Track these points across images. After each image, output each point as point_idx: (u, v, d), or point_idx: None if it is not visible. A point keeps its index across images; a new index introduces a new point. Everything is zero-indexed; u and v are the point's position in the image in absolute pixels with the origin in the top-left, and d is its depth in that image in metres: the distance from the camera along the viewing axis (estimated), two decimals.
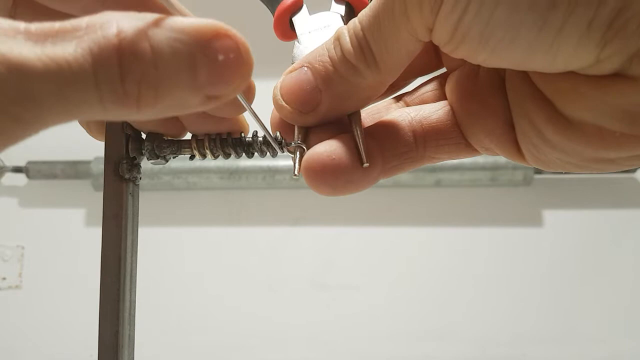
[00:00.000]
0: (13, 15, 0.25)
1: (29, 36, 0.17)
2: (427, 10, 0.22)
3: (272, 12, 0.32)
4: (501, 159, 0.91)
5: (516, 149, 0.27)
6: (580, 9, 0.20)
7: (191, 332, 0.92)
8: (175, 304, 0.92)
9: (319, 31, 0.30)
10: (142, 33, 0.17)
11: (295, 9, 0.31)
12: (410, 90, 0.32)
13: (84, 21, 0.17)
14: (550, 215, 0.94)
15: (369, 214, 0.94)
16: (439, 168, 0.91)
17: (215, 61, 0.19)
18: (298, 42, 0.30)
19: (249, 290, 0.93)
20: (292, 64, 0.29)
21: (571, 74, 0.22)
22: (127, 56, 0.17)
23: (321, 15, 0.31)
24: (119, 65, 0.17)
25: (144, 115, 0.19)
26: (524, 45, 0.21)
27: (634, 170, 0.91)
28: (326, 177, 0.26)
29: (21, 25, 0.17)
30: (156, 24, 0.18)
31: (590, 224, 0.93)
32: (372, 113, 0.30)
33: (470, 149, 0.28)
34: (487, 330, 0.90)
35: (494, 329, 0.90)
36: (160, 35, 0.18)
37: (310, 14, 0.32)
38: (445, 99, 0.30)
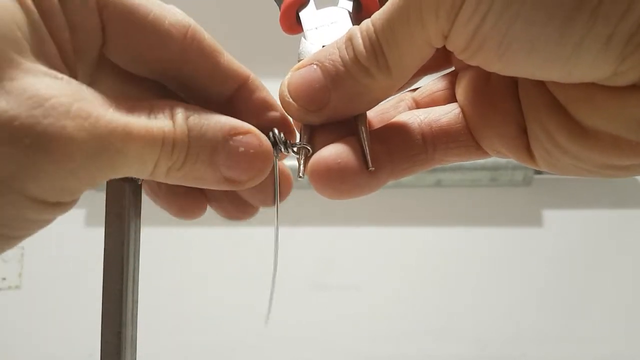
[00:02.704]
0: (95, 73, 0.27)
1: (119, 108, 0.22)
2: (443, 17, 0.22)
3: (279, 4, 0.31)
4: (501, 159, 0.90)
5: (528, 153, 0.26)
6: (599, 24, 0.20)
7: (191, 332, 0.91)
8: (174, 303, 0.92)
9: (326, 27, 0.30)
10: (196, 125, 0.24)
11: (302, 2, 0.31)
12: (418, 86, 0.32)
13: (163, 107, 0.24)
14: (550, 215, 0.94)
15: (369, 214, 0.94)
16: (439, 168, 0.91)
17: (235, 150, 0.25)
18: (304, 37, 0.30)
19: (249, 290, 0.93)
20: (299, 60, 0.29)
21: (587, 84, 0.22)
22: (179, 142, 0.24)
23: (328, 11, 0.30)
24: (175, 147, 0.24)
25: (170, 179, 0.24)
26: (540, 57, 0.21)
27: None
28: (332, 181, 0.26)
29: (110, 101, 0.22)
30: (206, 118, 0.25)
31: (590, 224, 0.93)
32: (379, 112, 0.30)
33: (481, 152, 0.28)
34: (487, 329, 0.90)
35: (494, 329, 0.90)
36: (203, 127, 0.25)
37: (317, 8, 0.31)
38: (455, 99, 0.29)
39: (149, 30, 0.26)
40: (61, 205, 0.22)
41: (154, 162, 0.23)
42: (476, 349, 0.89)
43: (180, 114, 0.24)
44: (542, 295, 0.91)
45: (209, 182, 0.25)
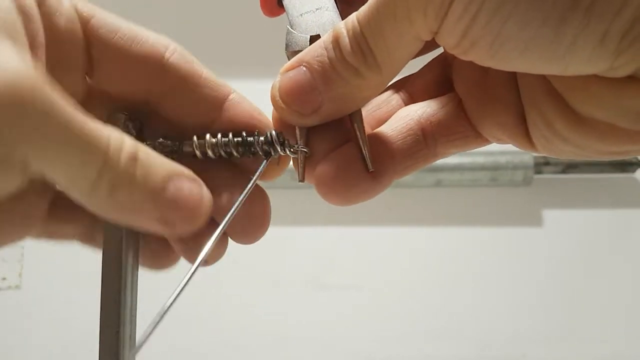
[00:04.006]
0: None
1: None
2: (431, 16, 0.22)
3: None
4: (501, 159, 0.91)
5: (527, 140, 0.27)
6: (594, 22, 0.20)
7: (191, 332, 0.91)
8: (174, 303, 0.92)
9: (311, 14, 0.29)
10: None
11: None
12: (408, 75, 0.31)
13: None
14: (550, 215, 0.94)
15: (369, 214, 0.94)
16: (439, 168, 0.91)
17: (180, 188, 0.23)
18: (290, 27, 0.29)
19: (250, 290, 0.93)
20: (286, 50, 0.28)
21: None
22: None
23: None
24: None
25: (111, 201, 0.22)
26: (535, 56, 0.21)
27: (633, 170, 0.91)
28: (338, 191, 0.26)
29: None
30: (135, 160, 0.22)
31: (591, 224, 0.93)
32: (372, 110, 0.30)
33: (481, 140, 0.28)
34: (487, 330, 0.90)
35: (494, 329, 0.90)
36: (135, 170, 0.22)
37: None
38: (448, 85, 0.29)
39: (127, 56, 0.26)
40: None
41: (97, 169, 0.21)
42: (476, 349, 0.89)
43: (130, 141, 0.23)
44: (542, 295, 0.91)
45: (145, 215, 0.23)
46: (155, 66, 0.26)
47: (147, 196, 0.23)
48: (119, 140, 0.22)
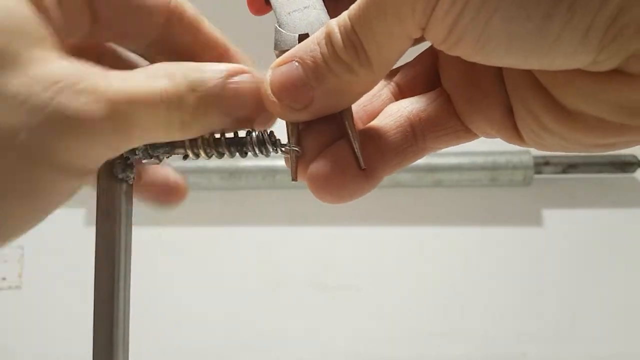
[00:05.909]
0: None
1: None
2: (419, 11, 0.22)
3: None
4: (501, 159, 0.90)
5: (516, 133, 0.26)
6: (577, 17, 0.20)
7: (189, 333, 0.92)
8: (174, 304, 0.92)
9: (300, 12, 0.28)
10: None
11: None
12: (398, 67, 0.31)
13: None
14: (550, 215, 0.94)
15: (369, 214, 0.94)
16: (439, 168, 0.91)
17: (236, 90, 0.26)
18: (278, 25, 0.28)
19: (249, 291, 0.93)
20: (275, 49, 0.28)
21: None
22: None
23: None
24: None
25: (187, 134, 0.26)
26: (520, 51, 0.21)
27: (633, 170, 0.91)
28: (332, 189, 0.26)
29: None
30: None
31: (590, 224, 0.93)
32: (363, 104, 0.30)
33: (470, 135, 0.28)
34: (487, 330, 0.90)
35: (494, 329, 0.90)
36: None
37: None
38: (437, 79, 0.29)
39: (134, 5, 0.27)
40: (86, 172, 0.24)
41: (166, 121, 0.24)
42: (476, 349, 0.89)
43: (176, 71, 0.25)
44: (542, 295, 0.91)
45: (225, 126, 0.27)
46: (162, 8, 0.28)
47: (216, 114, 0.26)
48: (171, 87, 0.24)
